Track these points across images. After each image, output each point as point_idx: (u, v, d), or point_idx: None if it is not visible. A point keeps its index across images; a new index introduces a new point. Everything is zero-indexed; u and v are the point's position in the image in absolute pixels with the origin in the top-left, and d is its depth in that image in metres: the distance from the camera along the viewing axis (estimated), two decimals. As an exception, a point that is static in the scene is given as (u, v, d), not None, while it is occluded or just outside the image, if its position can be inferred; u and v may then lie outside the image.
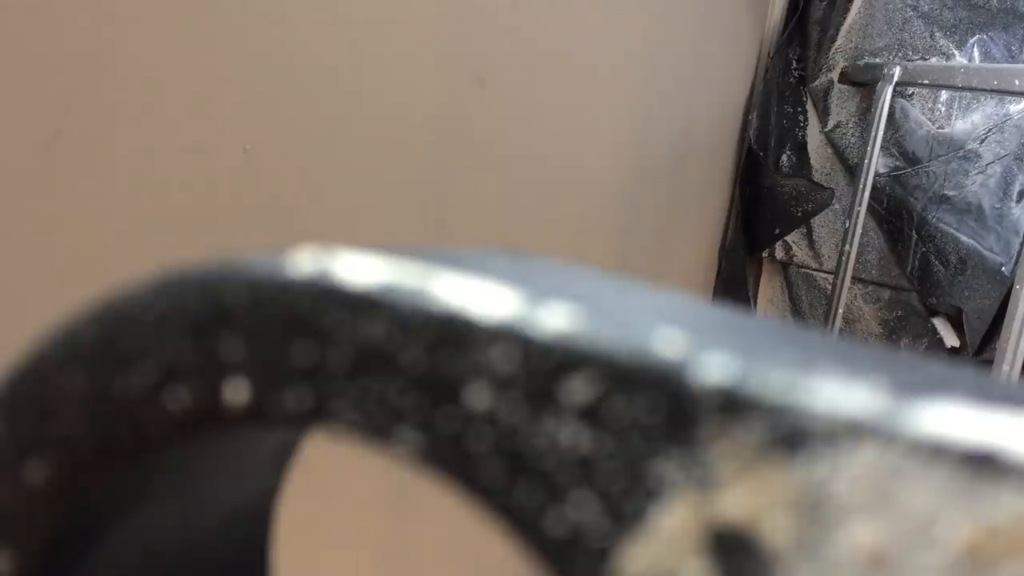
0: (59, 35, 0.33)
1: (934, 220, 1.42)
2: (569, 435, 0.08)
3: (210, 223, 0.43)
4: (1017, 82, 1.13)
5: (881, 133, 1.34)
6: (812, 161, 1.51)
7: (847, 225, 1.38)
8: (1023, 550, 0.07)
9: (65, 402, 0.10)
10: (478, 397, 0.08)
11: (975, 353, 1.41)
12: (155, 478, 0.10)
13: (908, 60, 1.42)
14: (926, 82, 1.32)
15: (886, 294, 1.50)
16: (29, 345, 0.10)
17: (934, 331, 1.47)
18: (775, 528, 0.07)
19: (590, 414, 0.08)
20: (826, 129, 1.49)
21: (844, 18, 1.45)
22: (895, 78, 1.31)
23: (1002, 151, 1.41)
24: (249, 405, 0.09)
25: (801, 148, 1.51)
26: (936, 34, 1.42)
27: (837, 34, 1.46)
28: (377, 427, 0.09)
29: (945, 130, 1.43)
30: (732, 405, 0.08)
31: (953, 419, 0.07)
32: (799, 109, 1.50)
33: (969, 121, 1.42)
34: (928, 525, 0.07)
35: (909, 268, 1.46)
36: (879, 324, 1.51)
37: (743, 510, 0.07)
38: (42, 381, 0.10)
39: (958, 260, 1.41)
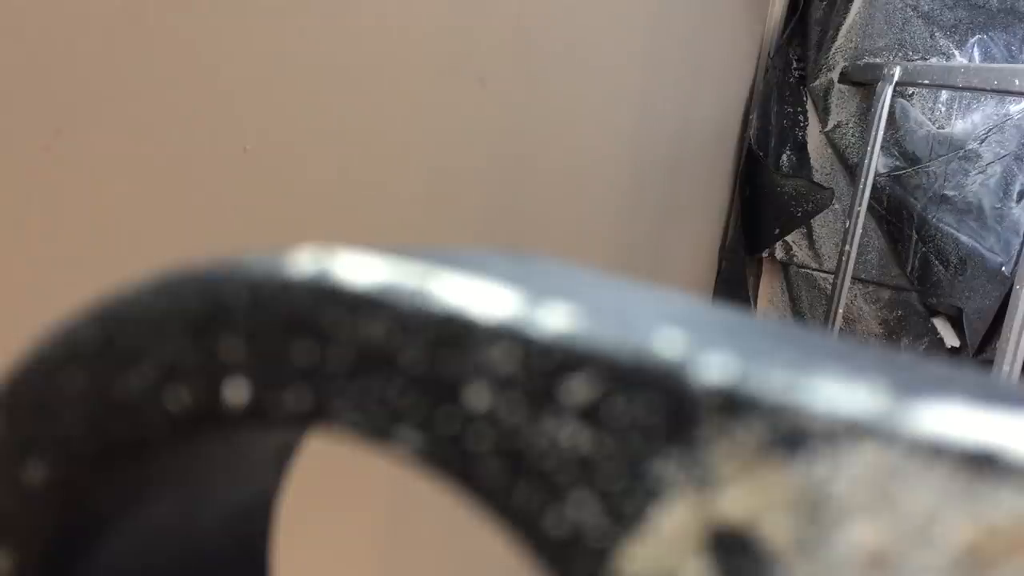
0: (59, 36, 0.33)
1: (934, 220, 1.42)
2: (569, 435, 0.08)
3: (210, 223, 0.43)
4: (1017, 82, 1.12)
5: (881, 133, 1.34)
6: (812, 161, 1.50)
7: (847, 225, 1.38)
8: (1023, 550, 0.07)
9: (65, 402, 0.10)
10: (478, 397, 0.08)
11: (975, 353, 1.41)
12: (155, 478, 0.10)
13: (908, 60, 1.42)
14: (926, 82, 1.31)
15: (886, 294, 1.50)
16: (29, 345, 0.10)
17: (934, 331, 1.47)
18: (775, 528, 0.07)
19: (590, 414, 0.08)
20: (826, 129, 1.48)
21: (844, 18, 1.45)
22: (895, 78, 1.31)
23: (1002, 151, 1.41)
24: (249, 405, 0.09)
25: (801, 148, 1.51)
26: (936, 34, 1.42)
27: (837, 34, 1.45)
28: (377, 427, 0.09)
29: (945, 130, 1.42)
30: (732, 405, 0.08)
31: (953, 419, 0.07)
32: (799, 109, 1.50)
33: (969, 121, 1.42)
34: (928, 525, 0.07)
35: (909, 268, 1.46)
36: (879, 324, 1.51)
37: (743, 510, 0.07)
38: (42, 381, 0.10)
39: (958, 260, 1.41)
